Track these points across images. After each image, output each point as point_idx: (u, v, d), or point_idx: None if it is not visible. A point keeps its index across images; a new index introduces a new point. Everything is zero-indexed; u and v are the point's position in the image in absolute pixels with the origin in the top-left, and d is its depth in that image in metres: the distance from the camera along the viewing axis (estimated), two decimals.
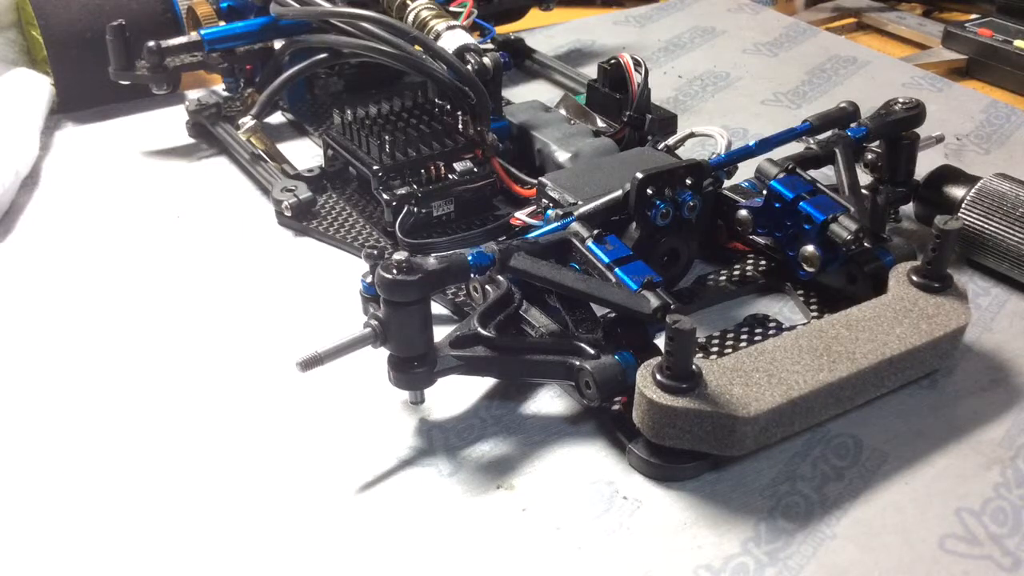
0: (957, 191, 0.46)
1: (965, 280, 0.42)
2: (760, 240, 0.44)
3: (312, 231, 0.49)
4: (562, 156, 0.49)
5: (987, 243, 0.44)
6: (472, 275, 0.35)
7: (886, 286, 0.39)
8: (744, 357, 0.34)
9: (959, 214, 0.45)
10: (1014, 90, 0.70)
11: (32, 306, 0.44)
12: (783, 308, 0.44)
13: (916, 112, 0.46)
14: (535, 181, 0.45)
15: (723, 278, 0.45)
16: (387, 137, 0.47)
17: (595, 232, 0.38)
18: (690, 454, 0.34)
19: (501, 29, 0.71)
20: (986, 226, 0.44)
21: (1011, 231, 0.43)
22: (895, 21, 0.82)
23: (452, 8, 0.58)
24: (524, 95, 0.60)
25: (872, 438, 0.36)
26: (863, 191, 0.44)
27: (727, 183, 0.46)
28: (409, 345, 0.34)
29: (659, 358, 0.33)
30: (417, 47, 0.50)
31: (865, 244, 0.40)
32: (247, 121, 0.53)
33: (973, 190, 0.45)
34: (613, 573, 0.31)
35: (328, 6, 0.54)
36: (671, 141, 0.50)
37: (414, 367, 0.34)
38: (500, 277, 0.38)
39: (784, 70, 0.70)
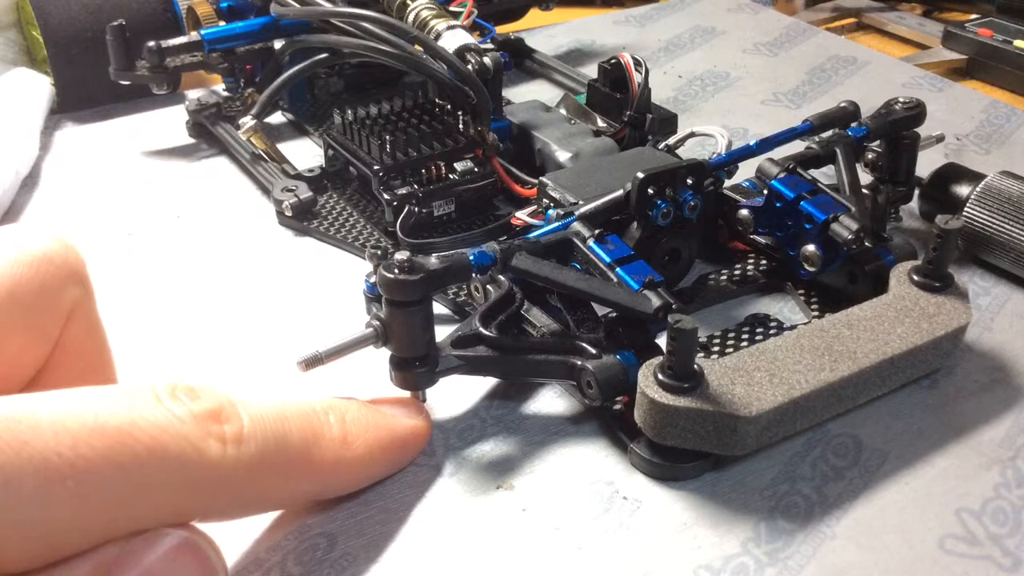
0: (963, 188, 0.46)
1: (966, 279, 0.42)
2: (761, 240, 0.44)
3: (313, 231, 0.49)
4: (563, 156, 0.49)
5: (992, 240, 0.44)
6: (474, 275, 0.35)
7: (887, 285, 0.39)
8: (745, 356, 0.34)
9: (965, 210, 0.45)
10: (1014, 90, 0.70)
11: None
12: (784, 308, 0.44)
13: (916, 112, 0.47)
14: (536, 181, 0.45)
15: (724, 278, 0.45)
16: (388, 137, 0.47)
17: (596, 232, 0.38)
18: (692, 454, 0.34)
19: (501, 29, 0.71)
20: (992, 223, 0.44)
21: (1017, 228, 0.43)
22: (895, 21, 0.82)
23: (452, 8, 0.58)
24: (524, 95, 0.60)
25: (872, 438, 0.36)
26: (864, 190, 0.44)
27: (728, 183, 0.46)
28: (411, 345, 0.34)
29: (661, 358, 0.33)
30: (417, 47, 0.50)
31: (866, 243, 0.40)
32: (247, 121, 0.53)
33: (979, 187, 0.45)
34: (613, 573, 0.31)
35: (328, 6, 0.54)
36: (671, 141, 0.50)
37: (416, 367, 0.34)
38: (501, 277, 0.38)
39: (784, 70, 0.70)
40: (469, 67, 0.49)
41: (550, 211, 0.42)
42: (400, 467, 0.34)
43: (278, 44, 0.58)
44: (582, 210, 0.40)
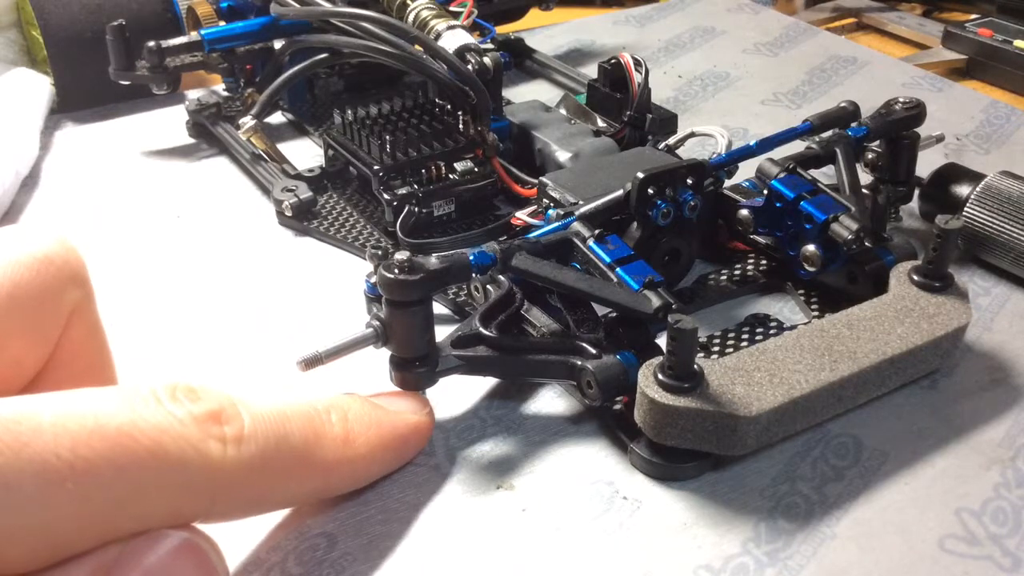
0: (963, 188, 0.46)
1: (966, 279, 0.42)
2: (761, 240, 0.44)
3: (313, 231, 0.50)
4: (563, 156, 0.49)
5: (992, 240, 0.44)
6: (474, 275, 0.35)
7: (887, 285, 0.39)
8: (745, 356, 0.34)
9: (965, 210, 0.45)
10: (1014, 90, 0.70)
11: None
12: (784, 308, 0.44)
13: (916, 112, 0.47)
14: (536, 181, 0.45)
15: (724, 278, 0.45)
16: (388, 137, 0.47)
17: (596, 232, 0.38)
18: (692, 454, 0.34)
19: (501, 29, 0.71)
20: (992, 223, 0.44)
21: (1017, 228, 0.43)
22: (895, 21, 0.82)
23: (452, 8, 0.58)
24: (524, 95, 0.60)
25: (872, 438, 0.36)
26: (864, 190, 0.44)
27: (728, 183, 0.46)
28: (411, 345, 0.34)
29: (661, 358, 0.33)
30: (417, 47, 0.50)
31: (866, 243, 0.40)
32: (247, 121, 0.53)
33: (979, 187, 0.45)
34: (613, 573, 0.31)
35: (328, 6, 0.54)
36: (671, 141, 0.50)
37: (416, 367, 0.34)
38: (501, 277, 0.38)
39: (784, 70, 0.70)
40: (469, 67, 0.49)
41: (550, 211, 0.42)
42: (403, 463, 0.34)
43: (278, 44, 0.58)
44: (582, 210, 0.40)
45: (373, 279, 0.40)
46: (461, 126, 0.49)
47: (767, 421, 0.33)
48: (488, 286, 0.40)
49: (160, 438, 0.23)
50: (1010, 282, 0.45)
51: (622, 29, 0.79)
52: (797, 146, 0.46)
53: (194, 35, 0.57)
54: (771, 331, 0.41)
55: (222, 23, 0.60)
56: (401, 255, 0.33)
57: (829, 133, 0.46)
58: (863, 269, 0.41)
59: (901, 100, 0.47)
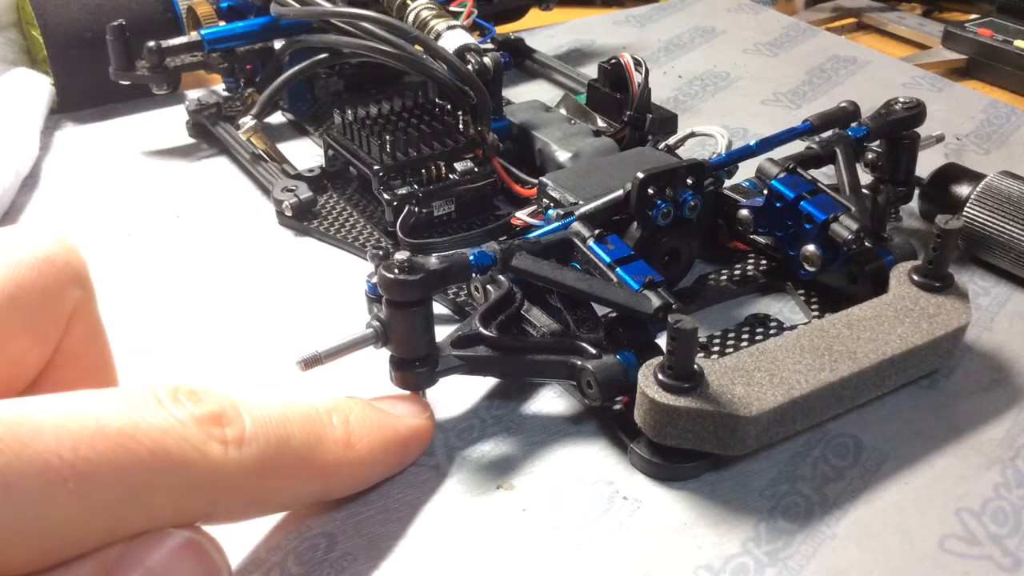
0: (962, 188, 0.46)
1: (966, 279, 0.42)
2: (761, 240, 0.44)
3: (313, 231, 0.50)
4: (563, 156, 0.49)
5: (992, 240, 0.44)
6: (474, 275, 0.35)
7: (887, 285, 0.39)
8: (745, 356, 0.34)
9: (965, 210, 0.45)
10: (1014, 90, 0.70)
11: None
12: (784, 308, 0.44)
13: (916, 112, 0.47)
14: (536, 181, 0.45)
15: (724, 278, 0.45)
16: (388, 137, 0.47)
17: (596, 232, 0.38)
18: (692, 454, 0.34)
19: (501, 29, 0.71)
20: (992, 223, 0.44)
21: (1017, 228, 0.43)
22: (895, 21, 0.82)
23: (452, 8, 0.58)
24: (524, 95, 0.60)
25: (872, 438, 0.36)
26: (864, 190, 0.44)
27: (728, 183, 0.46)
28: (411, 345, 0.34)
29: (661, 358, 0.33)
30: (417, 47, 0.50)
31: (866, 243, 0.40)
32: (247, 121, 0.53)
33: (979, 187, 0.45)
34: (613, 573, 0.31)
35: (328, 6, 0.54)
36: (671, 141, 0.50)
37: (416, 367, 0.34)
38: (501, 277, 0.38)
39: (784, 70, 0.70)
40: (469, 67, 0.49)
41: (550, 211, 0.42)
42: (403, 467, 0.34)
43: (278, 44, 0.58)
44: (582, 210, 0.40)
45: (374, 279, 0.40)
46: (461, 126, 0.49)
47: (767, 421, 0.33)
48: (488, 286, 0.40)
49: (161, 439, 0.23)
50: (1010, 282, 0.45)
51: (622, 29, 0.79)
52: (797, 146, 0.46)
53: (194, 35, 0.57)
54: (771, 331, 0.41)
55: (222, 23, 0.60)
56: (401, 255, 0.33)
57: (829, 133, 0.46)
58: (863, 269, 0.41)
59: (901, 100, 0.47)
